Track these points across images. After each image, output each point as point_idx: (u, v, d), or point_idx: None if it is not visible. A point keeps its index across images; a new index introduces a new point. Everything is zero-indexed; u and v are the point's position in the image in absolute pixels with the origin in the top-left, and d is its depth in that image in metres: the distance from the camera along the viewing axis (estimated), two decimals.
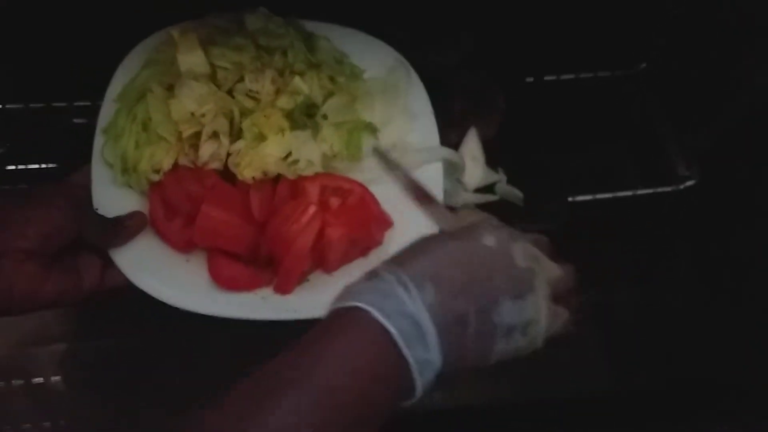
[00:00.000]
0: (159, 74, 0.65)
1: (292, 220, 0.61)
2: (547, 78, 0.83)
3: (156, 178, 0.63)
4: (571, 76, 0.83)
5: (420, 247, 0.44)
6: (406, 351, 0.38)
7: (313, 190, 0.64)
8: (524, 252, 0.44)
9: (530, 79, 0.82)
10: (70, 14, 0.68)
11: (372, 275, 0.42)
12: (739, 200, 0.72)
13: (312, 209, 0.62)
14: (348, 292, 0.42)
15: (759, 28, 0.67)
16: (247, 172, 0.62)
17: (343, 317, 0.40)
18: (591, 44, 0.79)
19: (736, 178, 0.72)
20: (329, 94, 0.67)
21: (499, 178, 0.74)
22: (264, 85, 0.64)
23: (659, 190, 0.76)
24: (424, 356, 0.39)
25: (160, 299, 0.60)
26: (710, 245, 0.76)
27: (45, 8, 0.67)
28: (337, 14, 0.72)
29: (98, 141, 0.64)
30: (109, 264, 0.60)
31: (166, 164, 0.63)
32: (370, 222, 0.64)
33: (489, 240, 0.43)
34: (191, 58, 0.64)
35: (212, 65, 0.65)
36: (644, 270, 0.77)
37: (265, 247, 0.62)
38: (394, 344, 0.38)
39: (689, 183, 0.76)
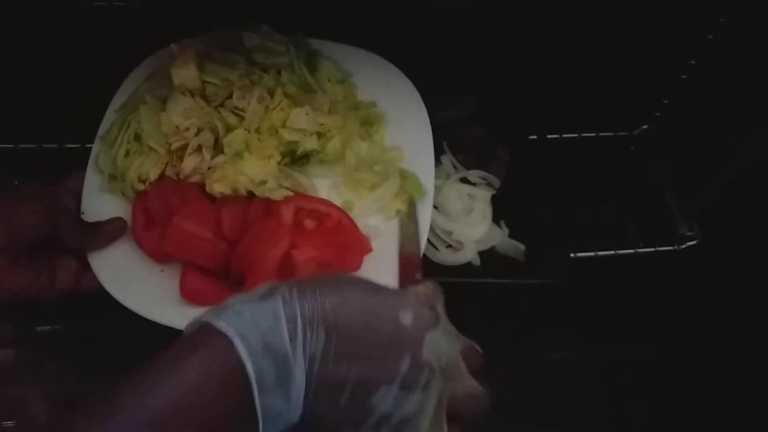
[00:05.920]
0: (156, 87, 0.67)
1: (261, 240, 0.61)
2: (549, 136, 0.83)
3: (141, 187, 0.65)
4: (574, 135, 0.84)
5: (337, 286, 0.38)
6: (257, 398, 0.34)
7: (287, 211, 0.63)
8: (436, 348, 0.38)
9: (533, 137, 0.83)
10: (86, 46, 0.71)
11: (268, 293, 0.37)
12: (740, 260, 0.70)
13: (280, 230, 0.61)
14: (224, 307, 0.37)
15: (758, 90, 0.67)
16: (216, 187, 0.62)
17: (204, 339, 0.35)
18: (593, 106, 0.80)
19: (737, 238, 0.70)
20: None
21: (502, 233, 0.73)
22: (250, 103, 0.64)
23: (660, 249, 0.75)
24: (279, 406, 0.35)
25: (126, 306, 0.60)
26: (710, 304, 0.74)
27: (64, 40, 0.71)
28: None
29: (95, 148, 0.67)
30: (86, 267, 0.62)
31: (153, 175, 0.65)
32: (345, 246, 0.63)
33: (406, 317, 0.38)
34: (184, 73, 0.65)
35: (204, 81, 0.66)
36: (644, 328, 0.74)
37: (234, 264, 0.62)
38: (247, 384, 0.34)
39: (690, 243, 0.75)
